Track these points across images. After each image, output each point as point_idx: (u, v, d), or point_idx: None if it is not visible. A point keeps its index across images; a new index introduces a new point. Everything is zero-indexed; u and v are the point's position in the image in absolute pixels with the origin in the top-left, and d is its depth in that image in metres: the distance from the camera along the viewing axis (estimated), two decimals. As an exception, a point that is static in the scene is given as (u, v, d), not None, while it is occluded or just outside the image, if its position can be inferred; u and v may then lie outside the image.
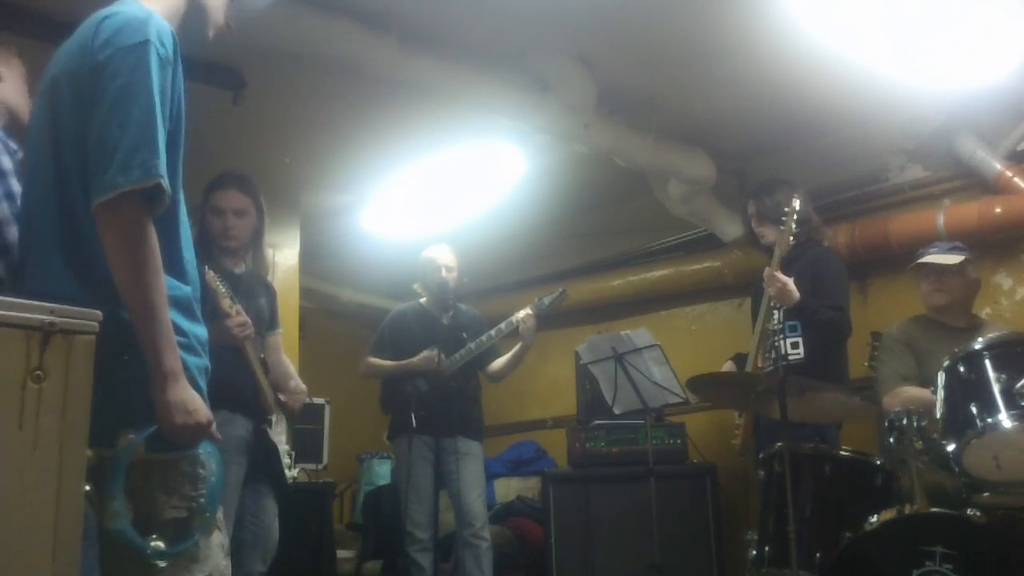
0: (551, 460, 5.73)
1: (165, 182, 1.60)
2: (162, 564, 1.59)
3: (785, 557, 2.88)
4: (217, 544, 1.70)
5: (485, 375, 4.35)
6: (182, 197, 1.74)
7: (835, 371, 3.58)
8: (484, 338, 4.17)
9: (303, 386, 3.42)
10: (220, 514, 1.75)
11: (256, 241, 3.35)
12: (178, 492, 1.63)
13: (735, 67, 3.96)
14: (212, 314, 2.99)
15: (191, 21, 1.85)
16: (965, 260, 3.61)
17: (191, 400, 1.61)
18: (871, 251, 4.61)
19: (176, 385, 1.59)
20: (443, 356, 4.01)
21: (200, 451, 1.67)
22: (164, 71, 1.64)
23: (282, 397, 3.34)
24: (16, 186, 2.02)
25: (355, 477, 6.15)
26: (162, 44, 1.65)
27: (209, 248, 3.26)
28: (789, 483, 2.87)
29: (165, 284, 1.62)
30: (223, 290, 3.04)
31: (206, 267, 3.03)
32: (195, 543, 1.65)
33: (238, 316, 3.08)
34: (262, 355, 3.30)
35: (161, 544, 1.59)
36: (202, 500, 1.65)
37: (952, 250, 3.67)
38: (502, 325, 4.16)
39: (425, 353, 4.08)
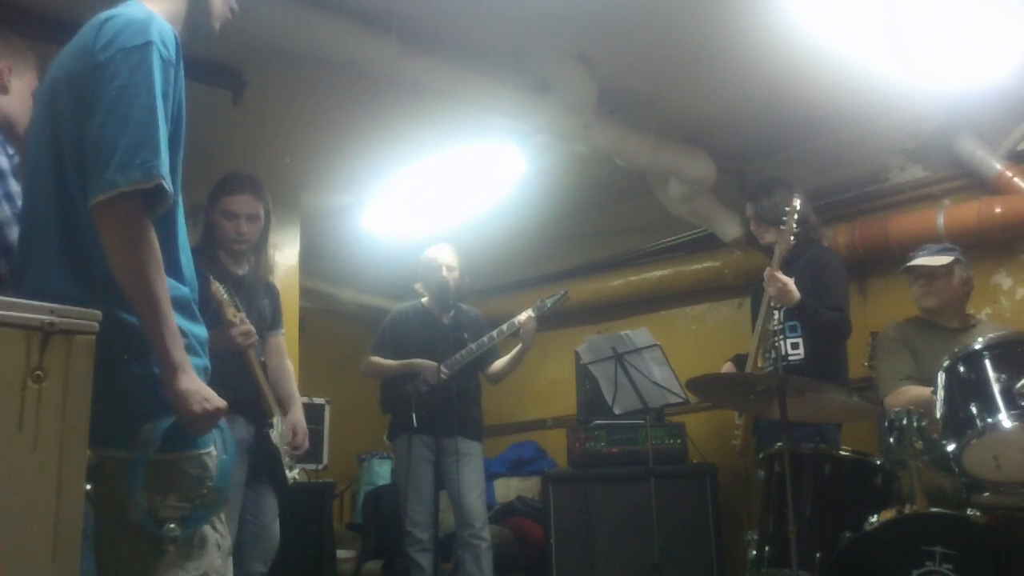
0: (551, 460, 5.73)
1: (167, 183, 1.60)
2: (171, 547, 1.61)
3: (785, 557, 2.88)
4: (213, 543, 1.70)
5: (484, 376, 4.35)
6: (180, 198, 1.75)
7: (835, 371, 3.59)
8: (486, 339, 4.17)
9: (303, 423, 3.37)
10: (222, 513, 1.75)
11: (260, 244, 3.36)
12: (175, 492, 1.64)
13: (735, 67, 3.96)
14: (215, 321, 2.99)
15: (196, 18, 1.85)
16: (954, 261, 3.61)
17: (204, 388, 1.64)
18: (871, 251, 4.61)
19: (187, 376, 1.61)
20: (444, 370, 4.00)
21: (200, 450, 1.68)
22: (166, 72, 1.64)
23: (293, 445, 3.32)
24: (15, 187, 2.03)
25: (355, 477, 6.15)
26: (164, 45, 1.65)
27: (213, 249, 3.26)
28: (789, 483, 2.87)
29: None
30: (227, 299, 3.05)
31: (210, 277, 3.03)
32: (202, 528, 1.67)
33: (242, 324, 3.08)
34: (262, 358, 3.30)
35: (174, 526, 1.62)
36: (199, 501, 1.66)
37: (942, 251, 3.67)
38: (504, 327, 4.17)
39: (430, 363, 4.08)
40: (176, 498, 1.63)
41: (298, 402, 3.41)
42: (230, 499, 2.96)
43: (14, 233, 1.94)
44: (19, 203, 2.03)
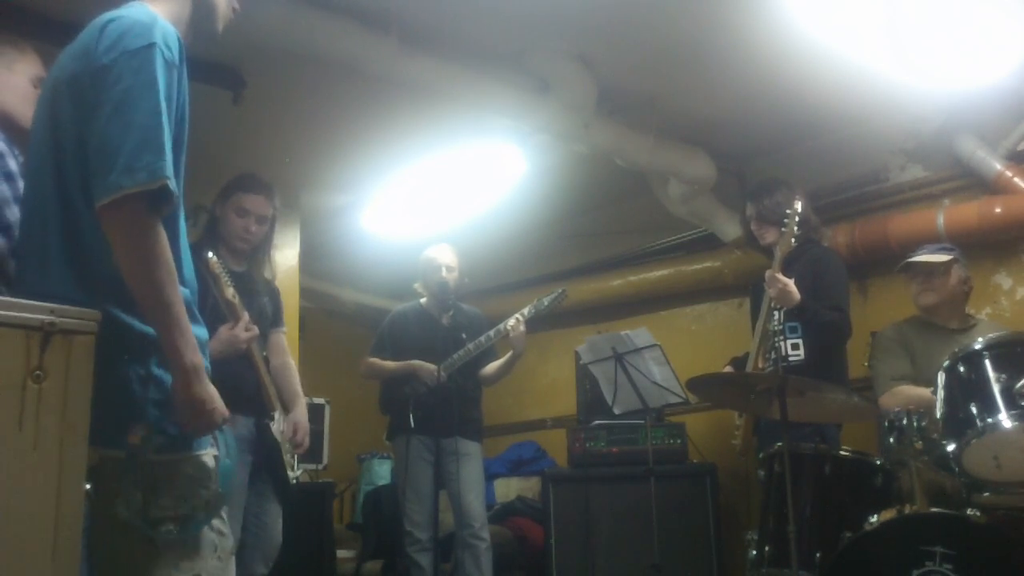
0: (551, 460, 5.73)
1: (172, 183, 1.59)
2: (164, 547, 1.60)
3: (785, 557, 2.88)
4: (208, 544, 1.69)
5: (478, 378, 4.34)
6: (182, 200, 1.74)
7: (835, 372, 3.58)
8: (483, 339, 4.16)
9: (305, 422, 3.36)
10: (223, 513, 1.75)
11: (264, 245, 3.40)
12: (172, 493, 1.63)
13: (735, 67, 3.96)
14: (214, 308, 3.00)
15: (200, 21, 1.85)
16: (952, 259, 3.61)
17: (213, 396, 1.64)
18: (871, 251, 4.61)
19: (200, 382, 1.61)
20: (443, 372, 3.99)
21: (199, 452, 1.68)
22: (169, 75, 1.64)
23: (293, 442, 3.32)
24: (13, 166, 2.03)
25: (355, 477, 6.15)
26: (168, 47, 1.65)
27: (215, 244, 3.27)
28: (789, 483, 2.87)
29: None
30: (225, 277, 3.04)
31: (209, 253, 3.02)
32: (200, 529, 1.66)
33: (244, 317, 3.08)
34: (264, 353, 3.30)
35: (172, 528, 1.61)
36: (199, 503, 1.65)
37: (941, 251, 3.68)
38: (491, 332, 4.14)
39: (428, 366, 4.07)
40: (172, 499, 1.62)
41: (302, 401, 3.41)
42: (234, 499, 2.96)
43: (15, 212, 1.93)
44: (19, 184, 2.02)
